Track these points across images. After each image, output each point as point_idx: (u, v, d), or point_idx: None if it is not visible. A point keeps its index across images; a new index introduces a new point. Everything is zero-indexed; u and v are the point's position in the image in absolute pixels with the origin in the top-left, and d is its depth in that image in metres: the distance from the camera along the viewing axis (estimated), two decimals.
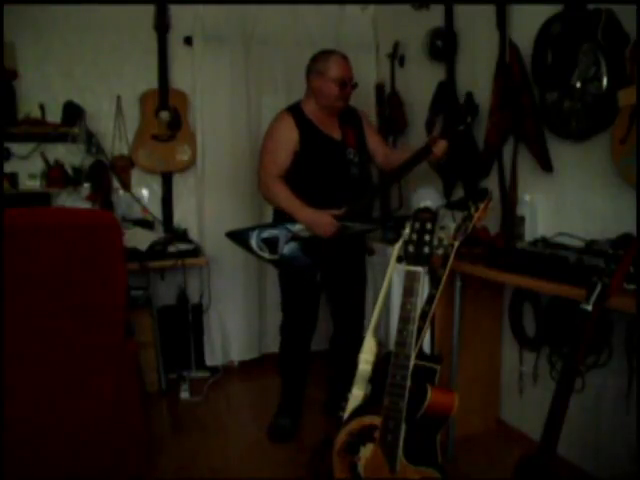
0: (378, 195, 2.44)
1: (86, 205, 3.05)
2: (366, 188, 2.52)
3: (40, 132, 3.01)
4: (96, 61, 3.18)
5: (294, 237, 2.43)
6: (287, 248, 2.43)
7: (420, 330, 1.73)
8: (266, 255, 2.44)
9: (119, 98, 3.24)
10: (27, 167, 3.06)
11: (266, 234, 2.44)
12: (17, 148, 3.05)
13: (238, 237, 2.47)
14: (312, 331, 2.65)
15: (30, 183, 3.04)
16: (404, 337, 1.65)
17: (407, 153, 2.46)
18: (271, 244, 2.43)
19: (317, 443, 2.08)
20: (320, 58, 2.46)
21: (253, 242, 2.43)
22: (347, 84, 2.44)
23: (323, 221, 2.37)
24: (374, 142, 2.60)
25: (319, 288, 2.57)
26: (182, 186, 3.41)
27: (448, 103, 2.76)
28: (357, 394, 1.88)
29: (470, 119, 2.32)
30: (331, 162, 2.46)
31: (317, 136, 2.46)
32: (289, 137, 2.42)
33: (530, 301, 2.39)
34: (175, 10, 3.26)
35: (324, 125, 2.49)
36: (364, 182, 2.54)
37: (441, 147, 2.32)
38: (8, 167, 3.02)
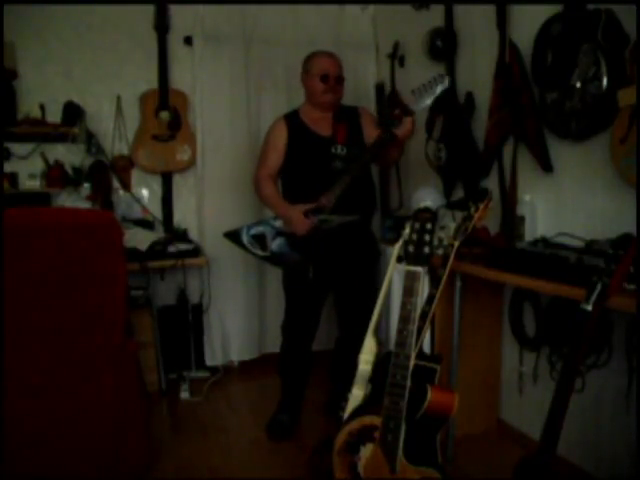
0: (346, 186, 2.38)
1: (86, 205, 3.05)
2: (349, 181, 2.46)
3: (40, 132, 3.01)
4: (96, 61, 3.18)
5: (279, 233, 2.47)
6: (275, 244, 2.47)
7: (420, 330, 1.73)
8: (259, 252, 2.48)
9: (119, 98, 3.24)
10: (27, 167, 3.06)
11: (254, 231, 2.49)
12: (17, 148, 3.06)
13: (233, 236, 2.51)
14: (313, 330, 2.65)
15: (30, 183, 3.04)
16: (404, 337, 1.65)
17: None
18: (260, 241, 2.47)
19: (317, 443, 2.08)
20: (307, 58, 2.60)
21: (244, 239, 2.47)
22: (329, 77, 2.49)
23: (293, 218, 2.40)
24: (368, 135, 2.56)
25: (317, 285, 2.55)
26: (182, 186, 3.42)
27: (448, 103, 2.75)
28: (357, 394, 1.88)
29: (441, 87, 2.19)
30: (313, 157, 2.49)
31: (303, 134, 2.54)
32: (278, 138, 2.56)
33: (530, 301, 2.39)
34: (175, 10, 3.26)
35: (315, 124, 2.55)
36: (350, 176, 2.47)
37: (405, 127, 2.27)
38: (8, 167, 3.02)
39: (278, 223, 2.49)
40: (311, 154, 2.50)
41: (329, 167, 2.44)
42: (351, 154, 2.48)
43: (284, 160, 2.56)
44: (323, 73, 2.50)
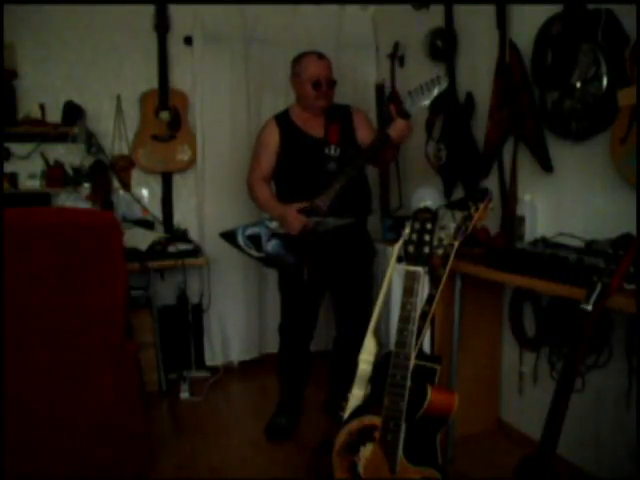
0: (340, 187, 2.34)
1: (86, 205, 3.05)
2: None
3: (40, 132, 3.01)
4: (96, 61, 3.18)
5: (274, 234, 2.45)
6: (270, 245, 2.45)
7: (420, 330, 1.73)
8: (254, 253, 2.46)
9: (119, 98, 3.24)
10: (27, 167, 3.06)
11: (249, 231, 2.47)
12: (17, 148, 3.05)
13: (229, 236, 2.49)
14: (310, 331, 2.65)
15: (30, 183, 3.04)
16: (404, 337, 1.65)
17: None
18: (255, 241, 2.46)
19: (317, 443, 2.08)
20: (297, 60, 2.52)
21: (240, 240, 2.46)
22: (321, 83, 2.44)
23: (288, 216, 2.38)
24: (362, 136, 2.53)
25: (313, 286, 2.54)
26: (182, 186, 3.42)
27: (448, 103, 2.75)
28: (357, 394, 1.88)
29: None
30: (306, 159, 2.47)
31: (296, 135, 2.51)
32: (270, 140, 2.52)
33: (530, 301, 2.39)
34: (175, 10, 3.26)
35: (307, 125, 2.52)
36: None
37: (398, 128, 2.25)
38: (8, 167, 3.02)
39: (273, 225, 2.46)
40: (304, 156, 2.48)
41: (323, 169, 2.43)
42: (345, 155, 2.46)
43: (277, 162, 2.53)
44: (315, 80, 2.43)
